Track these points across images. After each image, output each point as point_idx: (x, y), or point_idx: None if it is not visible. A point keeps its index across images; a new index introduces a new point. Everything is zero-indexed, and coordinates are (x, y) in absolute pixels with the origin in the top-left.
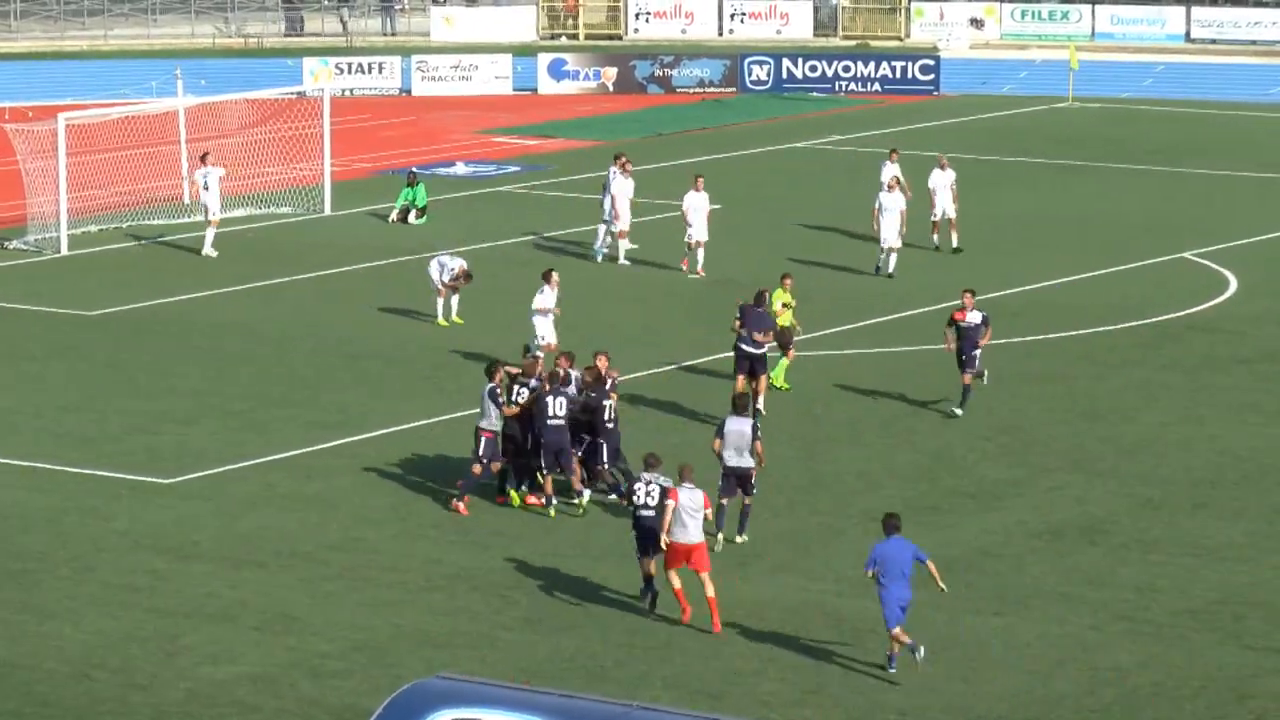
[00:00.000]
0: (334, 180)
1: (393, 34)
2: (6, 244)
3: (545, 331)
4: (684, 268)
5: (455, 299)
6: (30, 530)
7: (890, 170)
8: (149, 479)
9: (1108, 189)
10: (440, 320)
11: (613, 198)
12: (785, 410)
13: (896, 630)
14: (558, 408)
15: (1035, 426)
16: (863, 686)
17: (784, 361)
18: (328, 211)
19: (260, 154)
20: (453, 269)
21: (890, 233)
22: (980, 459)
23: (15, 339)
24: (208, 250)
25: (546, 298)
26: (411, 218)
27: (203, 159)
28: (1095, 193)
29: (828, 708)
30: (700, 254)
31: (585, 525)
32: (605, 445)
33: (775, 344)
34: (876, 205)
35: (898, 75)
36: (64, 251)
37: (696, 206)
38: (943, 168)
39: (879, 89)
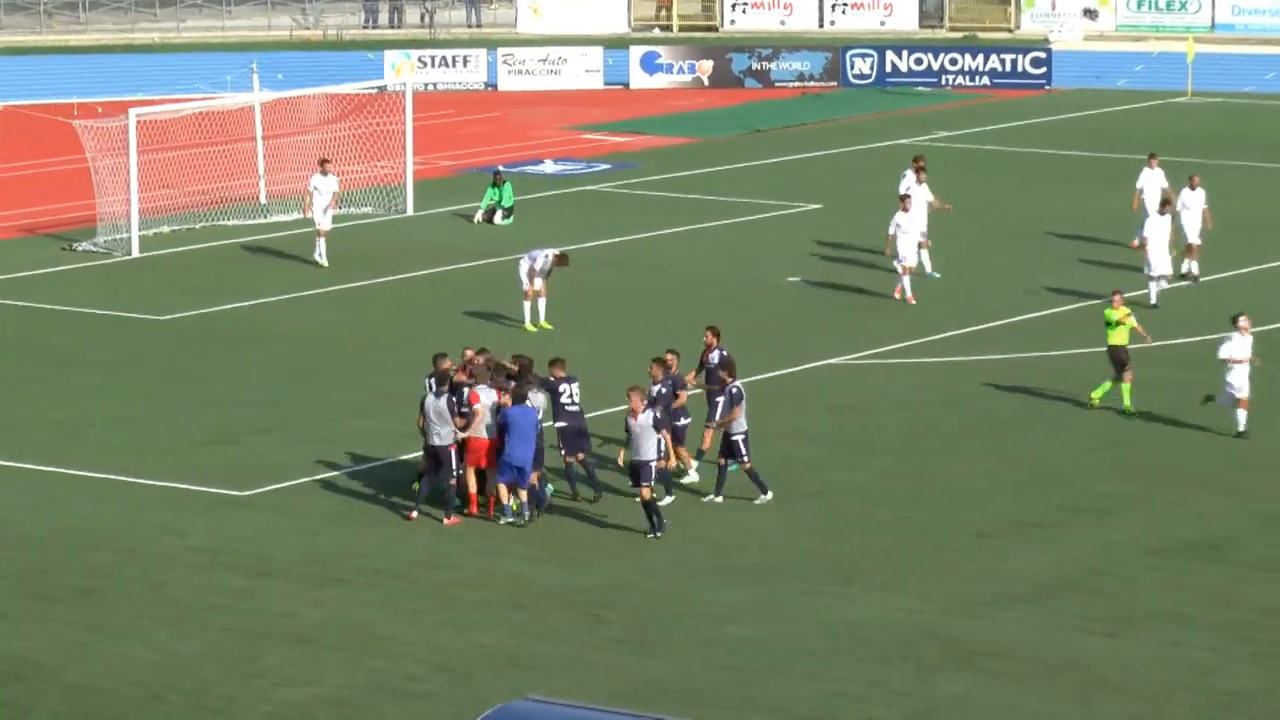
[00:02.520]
0: (416, 179)
1: (478, 26)
2: (76, 246)
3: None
4: (897, 295)
5: (543, 304)
6: (100, 546)
7: (908, 184)
8: (224, 491)
9: (1226, 188)
10: (528, 326)
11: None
12: (888, 422)
13: None
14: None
15: (1148, 438)
16: (975, 712)
17: (1126, 386)
18: (410, 212)
19: (340, 151)
20: (546, 255)
21: (910, 251)
22: (1091, 473)
23: (84, 345)
24: (321, 260)
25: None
26: (497, 218)
27: (321, 165)
28: (1212, 192)
29: None
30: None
31: (680, 542)
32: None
33: (1114, 365)
34: (893, 228)
35: (1007, 68)
36: (135, 253)
37: (906, 228)
38: (1193, 187)
39: (987, 83)
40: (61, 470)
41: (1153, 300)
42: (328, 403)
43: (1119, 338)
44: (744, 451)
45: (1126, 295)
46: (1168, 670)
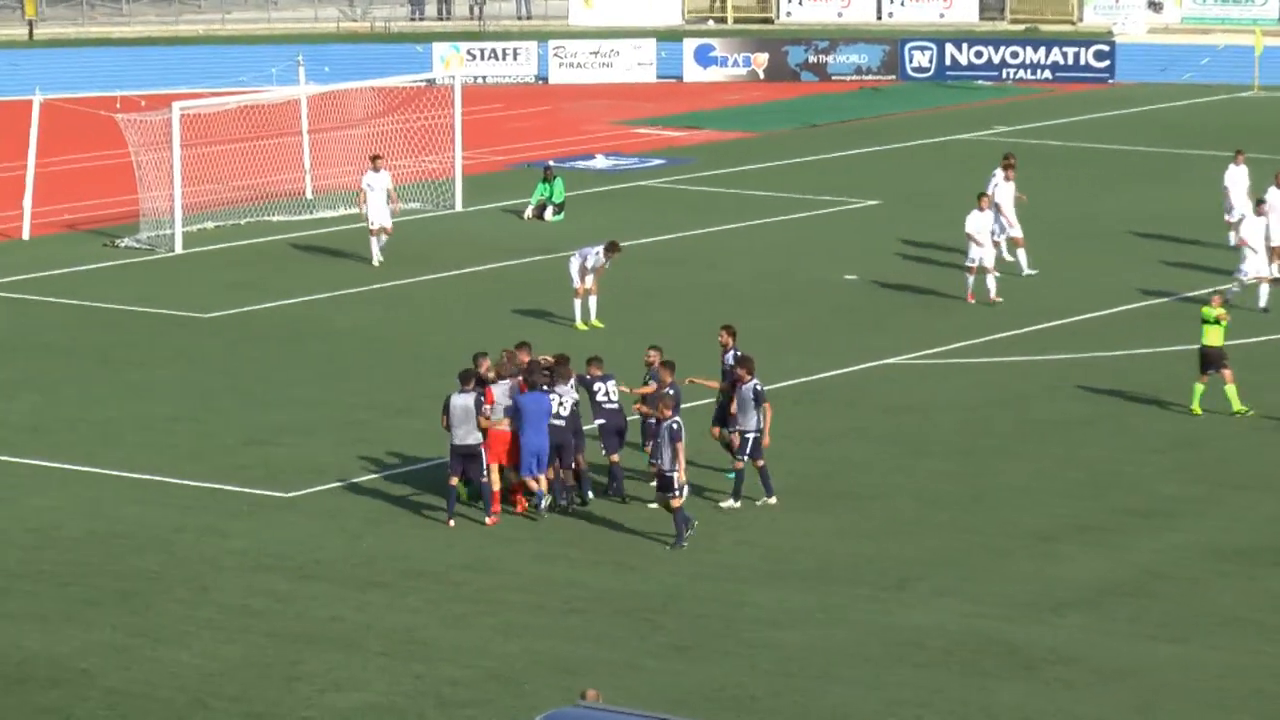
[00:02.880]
0: (465, 174)
1: (528, 18)
2: (118, 242)
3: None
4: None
5: (594, 301)
6: (142, 549)
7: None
8: (267, 493)
9: None
10: (579, 324)
11: (996, 205)
12: (945, 422)
13: None
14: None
15: (1216, 440)
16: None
17: (1230, 388)
18: (459, 207)
19: (387, 146)
20: (597, 252)
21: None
22: (1154, 475)
23: (125, 343)
24: (377, 258)
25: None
26: (548, 214)
27: (373, 162)
28: None
29: None
30: (991, 280)
31: (734, 548)
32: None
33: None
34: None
35: (1069, 62)
36: (178, 250)
37: (979, 227)
38: (1279, 184)
39: (1049, 76)
40: (103, 471)
41: (1262, 303)
42: (372, 402)
43: (1214, 337)
44: (747, 451)
45: (1200, 293)
46: (1236, 678)
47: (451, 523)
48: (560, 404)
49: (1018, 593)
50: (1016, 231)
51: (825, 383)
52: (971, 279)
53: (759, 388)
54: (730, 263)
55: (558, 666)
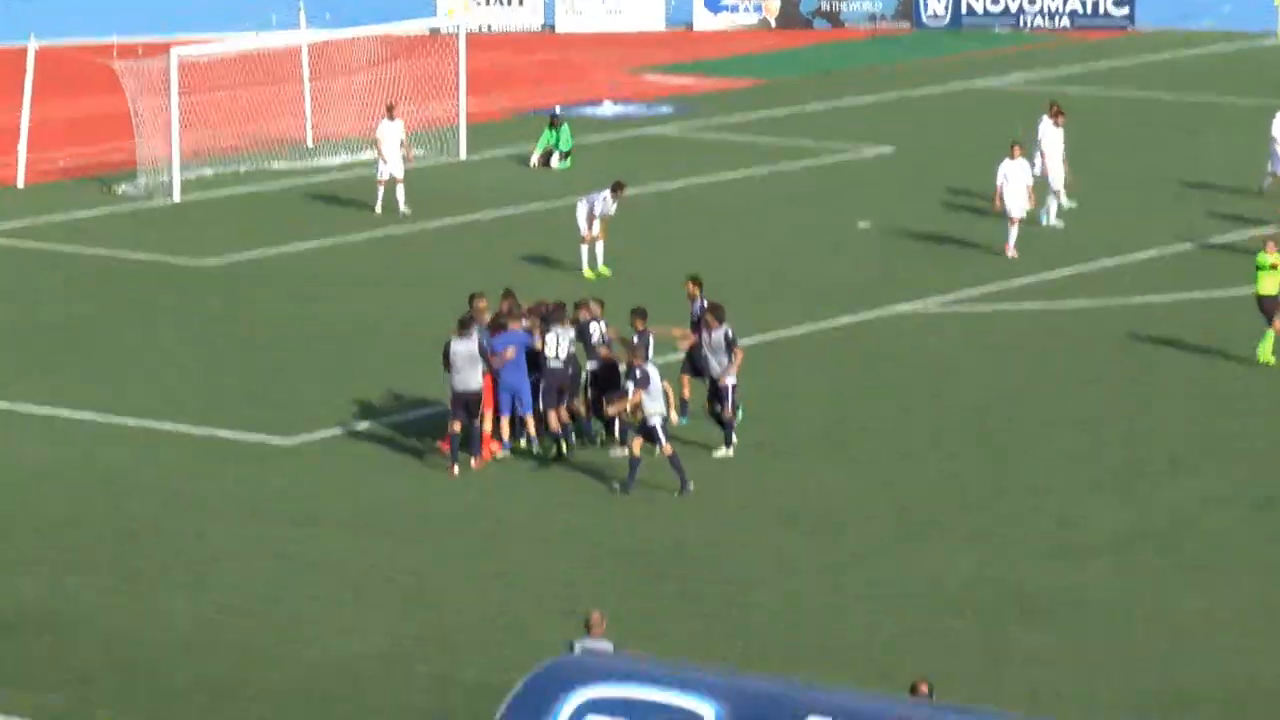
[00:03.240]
0: (470, 122)
1: None
2: (115, 189)
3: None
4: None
5: (601, 248)
6: (141, 495)
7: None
8: (268, 439)
9: None
10: (586, 271)
11: (1042, 154)
12: (963, 369)
13: None
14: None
15: (1245, 385)
16: (1051, 667)
17: (1269, 334)
18: (463, 156)
19: (390, 93)
20: (605, 197)
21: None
22: (1181, 420)
23: (124, 291)
24: (404, 209)
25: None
26: (554, 162)
27: (388, 111)
28: None
29: (1007, 685)
30: (1012, 231)
31: (745, 494)
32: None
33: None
34: (1001, 178)
35: (1088, 9)
36: (176, 198)
37: (1013, 176)
38: None
39: (1068, 24)
40: (102, 418)
41: None
42: (375, 349)
43: (1268, 286)
44: (728, 400)
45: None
46: (1261, 624)
47: (455, 469)
48: (558, 346)
49: (1037, 540)
50: (1057, 183)
51: (838, 331)
52: (1013, 231)
53: (730, 334)
54: (740, 211)
55: (562, 614)
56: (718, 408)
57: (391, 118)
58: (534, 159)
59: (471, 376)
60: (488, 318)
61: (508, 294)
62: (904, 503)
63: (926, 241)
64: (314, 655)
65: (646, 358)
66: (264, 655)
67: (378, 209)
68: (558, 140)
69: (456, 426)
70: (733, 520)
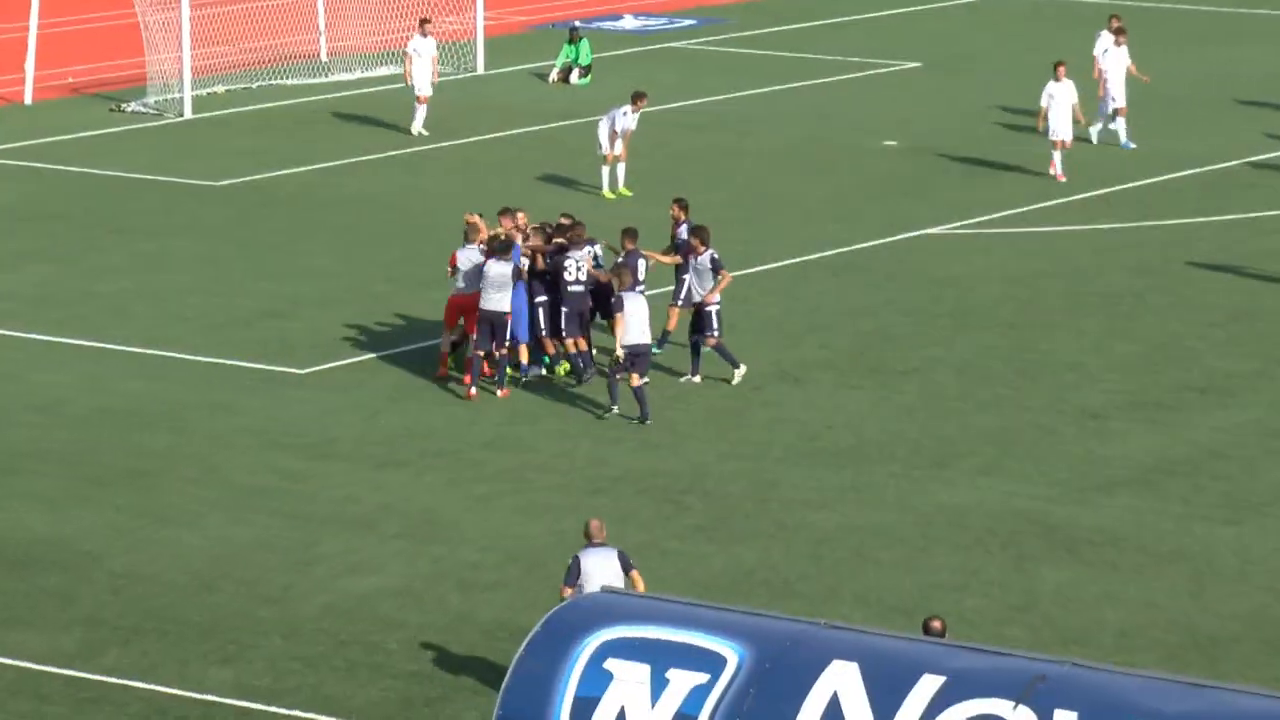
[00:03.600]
0: (487, 36)
1: None
2: (124, 106)
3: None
4: (1052, 172)
5: (622, 169)
6: (149, 426)
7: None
8: (281, 369)
9: None
10: (606, 192)
11: (1100, 71)
12: (990, 295)
13: None
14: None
15: (1276, 312)
16: (1078, 603)
17: None
18: (480, 70)
19: (405, 5)
20: (625, 111)
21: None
22: (1211, 349)
23: (133, 213)
24: (418, 129)
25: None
26: (574, 77)
27: (421, 26)
28: None
29: (1038, 626)
30: (1057, 155)
31: (767, 424)
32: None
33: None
34: (1046, 99)
35: None
36: (187, 114)
37: (1059, 97)
38: None
39: None
40: (110, 346)
41: None
42: (391, 274)
43: None
44: (715, 325)
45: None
46: None
47: (474, 391)
48: (578, 269)
49: (1064, 471)
50: (1120, 101)
51: (863, 253)
52: (1058, 154)
53: (715, 256)
54: (764, 128)
55: (582, 548)
56: (697, 336)
57: (424, 33)
58: (553, 75)
59: (502, 299)
60: (483, 236)
61: (506, 212)
62: (930, 432)
63: (955, 160)
64: (327, 595)
65: (636, 280)
66: (276, 594)
67: (414, 129)
68: (577, 55)
69: (479, 352)
70: (754, 451)
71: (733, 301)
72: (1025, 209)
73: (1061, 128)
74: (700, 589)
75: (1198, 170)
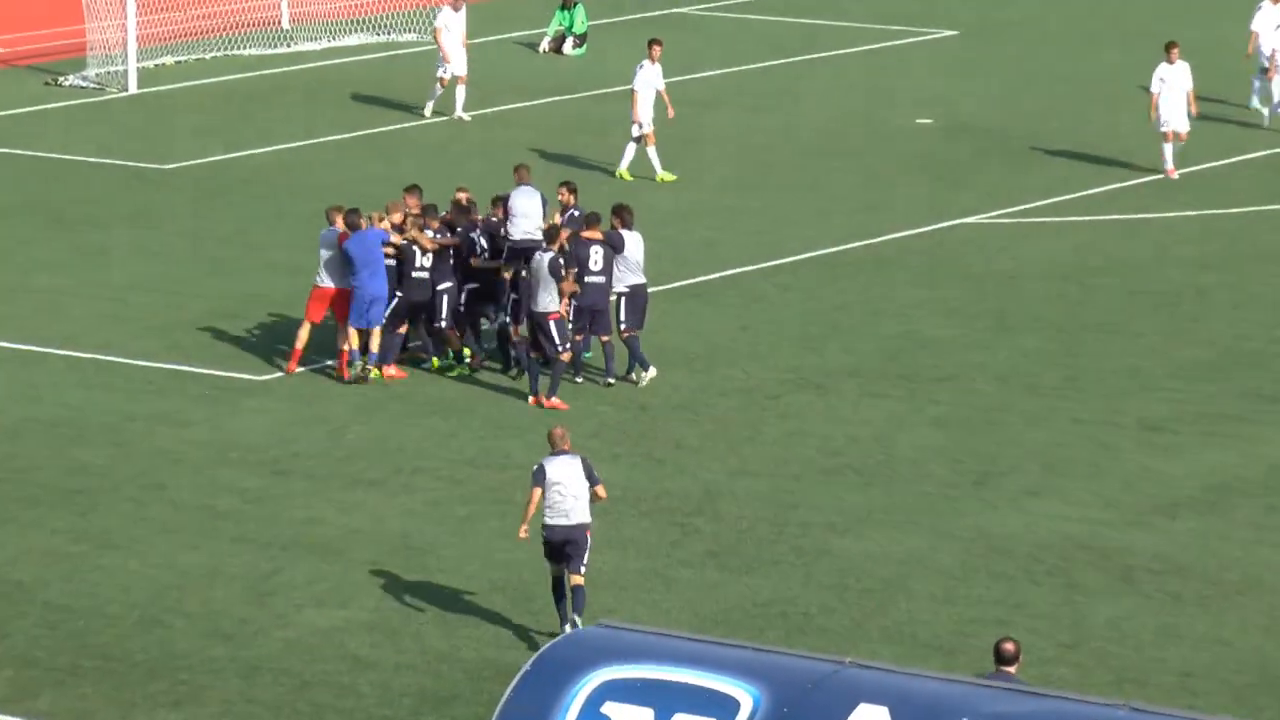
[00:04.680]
0: (471, 1)
1: None
2: (62, 80)
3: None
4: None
5: (653, 150)
6: (89, 440)
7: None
8: (236, 375)
9: None
10: (663, 175)
11: (1253, 34)
12: (1037, 292)
13: None
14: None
15: None
16: (1135, 640)
17: None
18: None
19: None
20: (640, 65)
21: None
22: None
23: (72, 199)
24: (459, 113)
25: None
26: (567, 47)
27: None
28: None
29: (1090, 665)
30: (1168, 148)
31: (785, 438)
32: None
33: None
34: (1157, 85)
35: None
36: (132, 89)
37: (1172, 82)
38: None
39: None
40: (44, 349)
41: None
42: None
43: None
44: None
45: None
46: None
47: (478, 357)
48: (595, 260)
49: (1120, 492)
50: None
51: (895, 245)
52: (1169, 147)
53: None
54: (783, 105)
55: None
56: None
57: (456, 7)
58: (544, 44)
59: (545, 298)
60: (398, 218)
61: (413, 189)
62: (968, 448)
63: (998, 140)
64: (289, 630)
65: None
66: (232, 629)
67: (427, 112)
68: (571, 22)
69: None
70: (770, 469)
71: (747, 300)
72: (1075, 195)
73: (1174, 117)
74: (710, 623)
75: (1266, 152)
